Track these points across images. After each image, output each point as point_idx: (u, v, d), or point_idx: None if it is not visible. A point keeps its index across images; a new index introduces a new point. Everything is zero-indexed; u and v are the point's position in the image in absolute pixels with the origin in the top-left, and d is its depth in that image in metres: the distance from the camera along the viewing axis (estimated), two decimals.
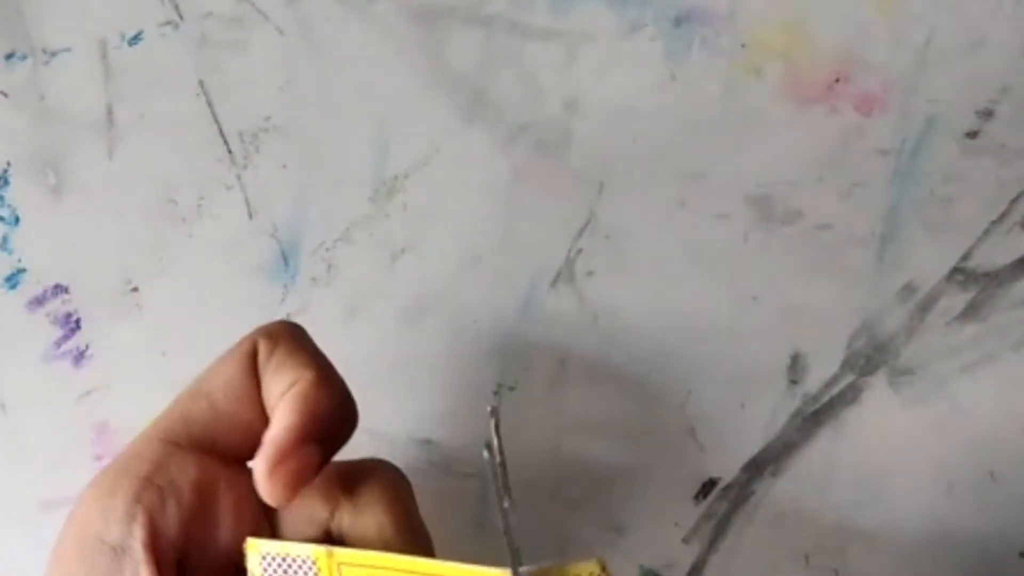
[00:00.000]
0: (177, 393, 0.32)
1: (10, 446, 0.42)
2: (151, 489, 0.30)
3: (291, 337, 0.33)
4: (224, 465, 0.31)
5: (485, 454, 0.36)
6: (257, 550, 0.30)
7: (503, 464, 0.35)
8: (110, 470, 0.31)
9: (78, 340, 0.42)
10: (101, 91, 0.42)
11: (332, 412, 0.30)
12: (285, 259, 0.43)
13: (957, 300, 0.42)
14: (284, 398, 0.31)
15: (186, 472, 0.31)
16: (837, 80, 0.42)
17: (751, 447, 0.43)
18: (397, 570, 0.30)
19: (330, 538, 0.31)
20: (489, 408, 0.36)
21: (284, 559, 0.30)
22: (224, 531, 0.31)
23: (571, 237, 0.43)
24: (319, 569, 0.30)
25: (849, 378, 0.43)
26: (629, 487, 0.43)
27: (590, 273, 0.43)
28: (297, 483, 0.29)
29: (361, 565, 0.30)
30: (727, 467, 0.43)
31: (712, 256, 0.43)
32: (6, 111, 0.42)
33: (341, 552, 0.30)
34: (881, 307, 0.43)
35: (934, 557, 0.42)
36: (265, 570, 0.30)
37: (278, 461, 0.29)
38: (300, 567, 0.30)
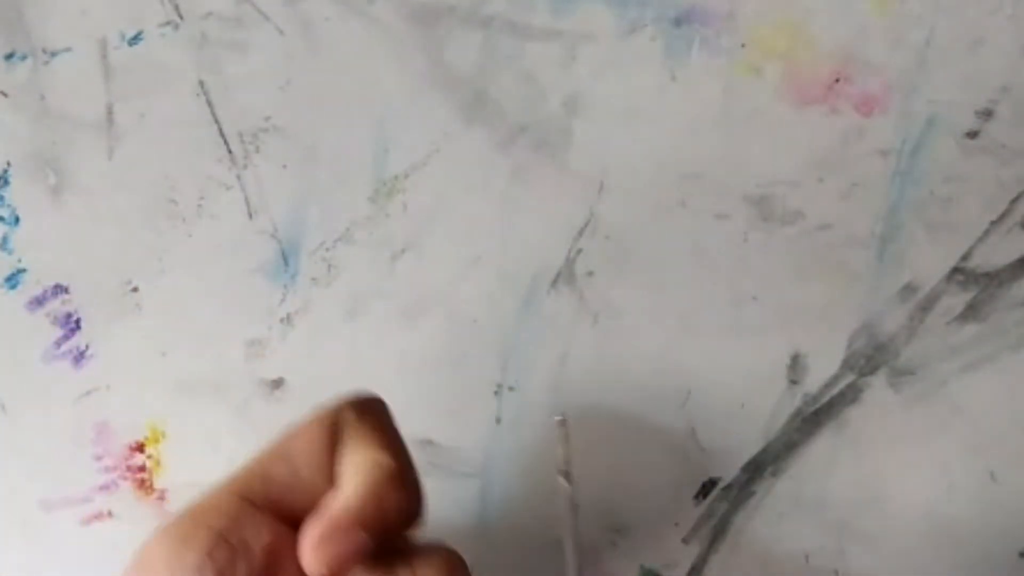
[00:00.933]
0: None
1: (10, 446, 0.42)
2: (224, 546, 0.30)
3: (378, 415, 0.33)
4: (294, 532, 0.31)
5: (561, 480, 0.36)
6: None
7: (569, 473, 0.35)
8: (184, 518, 0.30)
9: (78, 340, 0.42)
10: (101, 91, 0.42)
11: (398, 511, 0.30)
12: (285, 259, 0.43)
13: (957, 300, 0.42)
14: (356, 476, 0.30)
15: (260, 534, 0.30)
16: (837, 80, 0.42)
17: (751, 447, 0.43)
18: None
19: None
20: (557, 418, 0.36)
21: None
22: None
23: (571, 237, 0.43)
24: None
25: (849, 378, 0.43)
26: (629, 487, 0.43)
27: (590, 273, 0.43)
28: (338, 564, 0.29)
29: None
30: (727, 467, 0.43)
31: (712, 256, 0.43)
32: (6, 111, 0.42)
33: None
34: (881, 307, 0.43)
35: (934, 557, 0.42)
36: None
37: (326, 537, 0.29)
38: None
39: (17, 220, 0.42)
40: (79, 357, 0.42)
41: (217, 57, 0.42)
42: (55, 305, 0.42)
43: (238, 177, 0.43)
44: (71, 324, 0.43)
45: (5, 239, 0.42)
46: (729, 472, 0.43)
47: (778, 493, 0.43)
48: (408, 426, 0.33)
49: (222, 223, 0.43)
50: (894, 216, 0.42)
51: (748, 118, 0.42)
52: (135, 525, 0.42)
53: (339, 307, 0.43)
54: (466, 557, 0.32)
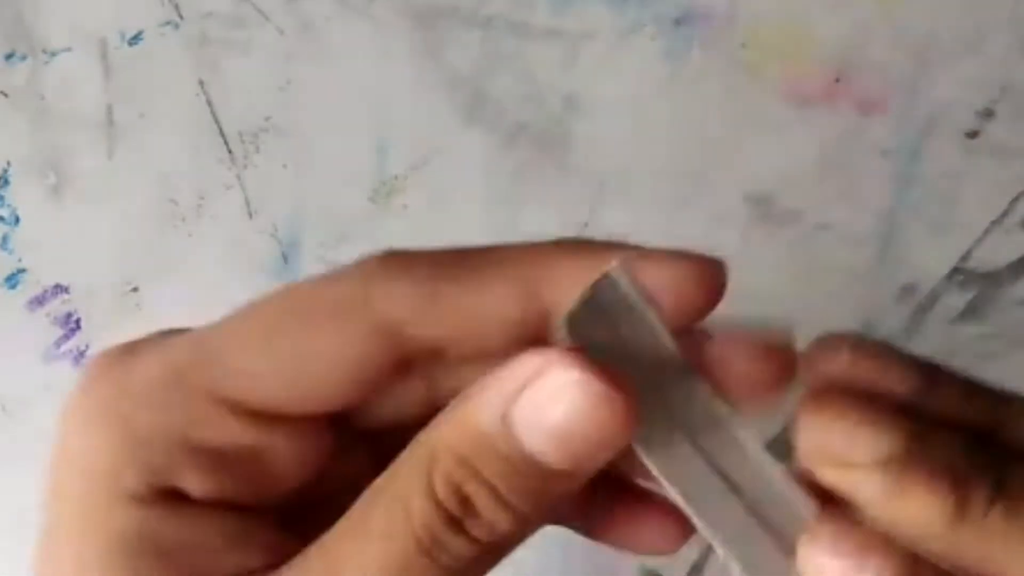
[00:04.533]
0: None
1: (10, 446, 0.42)
2: None
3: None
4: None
5: None
6: None
7: None
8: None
9: (78, 340, 0.42)
10: (101, 91, 0.42)
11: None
12: (285, 259, 0.43)
13: (957, 300, 0.42)
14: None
15: None
16: (837, 80, 0.42)
17: None
18: None
19: None
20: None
21: None
22: None
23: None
24: None
25: None
26: None
27: None
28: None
29: None
30: None
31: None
32: (6, 111, 0.42)
33: None
34: (881, 307, 0.43)
35: None
36: None
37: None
38: None
39: (17, 220, 0.42)
40: (79, 357, 0.42)
41: (217, 57, 0.42)
42: (55, 305, 0.42)
43: (238, 177, 0.43)
44: (71, 324, 0.42)
45: (5, 239, 0.42)
46: None
47: None
48: None
49: (222, 223, 0.43)
50: (894, 216, 0.42)
51: (748, 118, 0.42)
52: None
53: None
54: None
